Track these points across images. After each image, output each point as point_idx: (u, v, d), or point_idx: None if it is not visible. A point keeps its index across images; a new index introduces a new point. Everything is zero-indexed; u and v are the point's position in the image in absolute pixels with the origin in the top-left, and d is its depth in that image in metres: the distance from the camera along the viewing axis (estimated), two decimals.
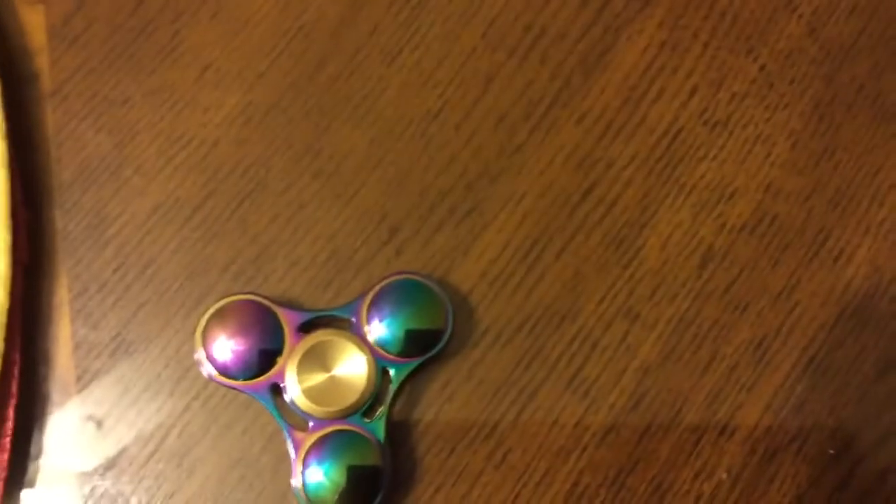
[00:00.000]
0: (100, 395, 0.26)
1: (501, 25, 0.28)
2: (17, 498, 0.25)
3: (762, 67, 0.28)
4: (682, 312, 0.27)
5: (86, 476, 0.25)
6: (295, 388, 0.24)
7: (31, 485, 0.25)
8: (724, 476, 0.26)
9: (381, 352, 0.25)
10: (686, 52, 0.28)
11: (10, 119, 0.27)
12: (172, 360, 0.26)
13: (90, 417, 0.26)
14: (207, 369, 0.25)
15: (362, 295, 0.25)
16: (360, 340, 0.25)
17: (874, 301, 0.27)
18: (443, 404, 0.26)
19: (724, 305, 0.27)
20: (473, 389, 0.26)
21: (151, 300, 0.27)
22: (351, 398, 0.24)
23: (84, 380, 0.26)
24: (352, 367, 0.25)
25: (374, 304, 0.25)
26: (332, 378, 0.25)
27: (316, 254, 0.27)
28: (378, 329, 0.25)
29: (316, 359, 0.25)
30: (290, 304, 0.26)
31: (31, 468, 0.25)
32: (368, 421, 0.25)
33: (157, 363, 0.26)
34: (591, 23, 0.28)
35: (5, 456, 0.24)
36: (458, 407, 0.26)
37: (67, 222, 0.27)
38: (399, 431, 0.26)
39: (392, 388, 0.25)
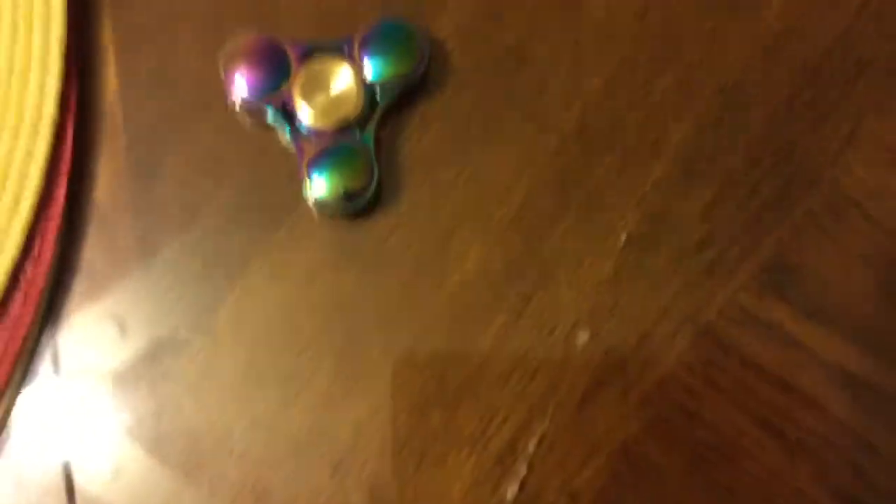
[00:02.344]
0: (142, 119, 0.32)
1: None
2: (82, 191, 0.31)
3: None
4: (624, 57, 0.32)
5: (133, 181, 0.31)
6: (300, 105, 0.30)
7: (89, 194, 0.31)
8: (651, 183, 0.31)
9: (370, 77, 0.30)
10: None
11: None
12: (203, 89, 0.32)
13: (135, 136, 0.32)
14: (231, 93, 0.30)
15: (355, 31, 0.31)
16: (353, 66, 0.30)
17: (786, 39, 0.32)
18: (422, 133, 0.32)
19: (660, 50, 0.32)
20: (447, 121, 0.32)
21: (182, 41, 0.32)
22: (345, 110, 0.30)
23: (127, 108, 0.32)
24: (345, 84, 0.30)
25: (364, 39, 0.31)
26: (330, 95, 0.30)
27: (318, 3, 0.32)
28: (367, 59, 0.30)
29: (316, 80, 0.30)
30: (294, 40, 0.31)
31: (89, 174, 0.31)
32: (361, 134, 0.30)
33: (190, 92, 0.32)
34: None
35: (68, 156, 0.30)
36: (434, 135, 0.32)
37: (126, 71, 0.32)
38: (387, 151, 0.31)
39: (379, 108, 0.31)
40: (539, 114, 0.32)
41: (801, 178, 0.31)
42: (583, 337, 0.30)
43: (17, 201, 0.30)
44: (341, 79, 0.30)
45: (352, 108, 0.30)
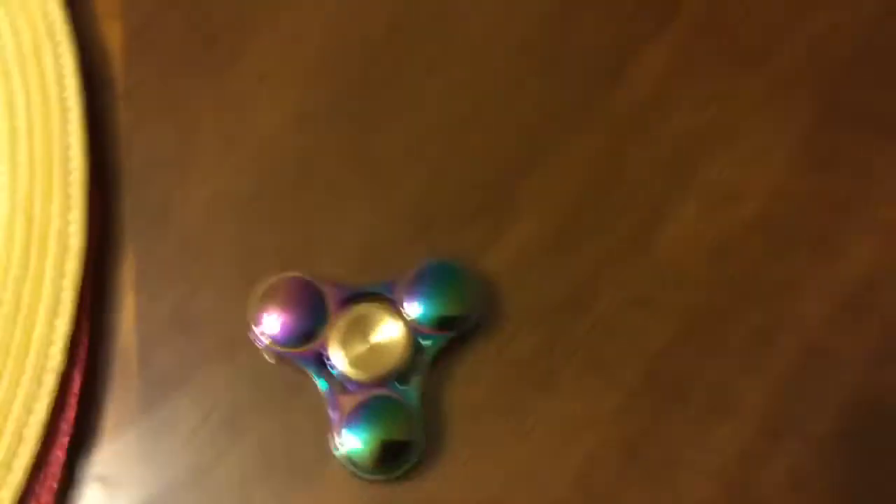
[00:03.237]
0: (158, 365, 0.28)
1: (531, 45, 0.31)
2: (81, 457, 0.27)
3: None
4: (692, 303, 0.29)
5: (142, 440, 0.28)
6: (338, 355, 0.27)
7: (92, 444, 0.28)
8: (731, 450, 0.27)
9: (416, 325, 0.27)
10: (698, 69, 0.31)
11: (86, 115, 0.30)
12: (226, 333, 0.29)
13: (149, 384, 0.28)
14: (260, 339, 0.27)
15: (401, 274, 0.28)
16: (397, 313, 0.27)
17: (870, 293, 0.29)
18: (471, 382, 0.28)
19: (730, 298, 0.29)
20: (500, 369, 0.28)
21: (208, 280, 0.29)
22: (389, 363, 0.27)
23: (144, 351, 0.28)
24: (389, 335, 0.27)
25: (411, 283, 0.28)
26: (371, 346, 0.27)
27: (357, 242, 0.30)
28: (414, 306, 0.27)
29: (357, 328, 0.27)
30: (333, 282, 0.28)
31: (91, 426, 0.28)
32: (404, 388, 0.27)
33: (212, 337, 0.29)
34: (613, 40, 0.31)
35: (72, 413, 0.27)
36: (485, 384, 0.28)
37: (135, 207, 0.30)
38: (431, 404, 0.28)
39: (426, 359, 0.27)
40: (603, 366, 0.28)
41: None
42: None
43: (9, 460, 0.26)
44: (385, 328, 0.27)
45: (396, 360, 0.27)
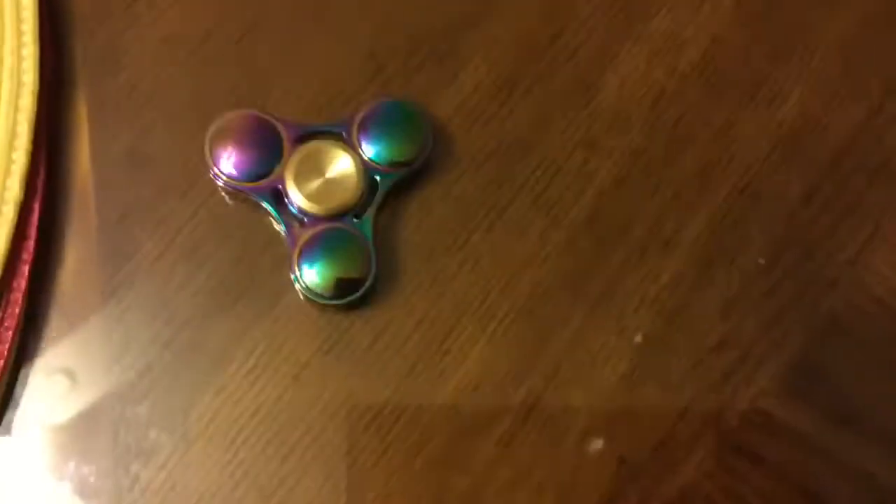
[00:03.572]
0: (115, 201, 0.29)
1: None
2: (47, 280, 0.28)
3: None
4: (635, 144, 0.30)
5: (103, 268, 0.28)
6: (293, 190, 0.28)
7: (53, 276, 0.28)
8: (667, 280, 0.29)
9: (370, 162, 0.28)
10: None
11: None
12: (182, 170, 0.29)
13: (107, 218, 0.29)
14: (216, 176, 0.28)
15: (354, 113, 0.29)
16: (351, 149, 0.28)
17: (801, 137, 0.31)
18: (422, 218, 0.30)
19: (672, 139, 0.30)
20: (451, 205, 0.30)
21: (162, 120, 0.30)
22: (343, 197, 0.28)
23: (100, 188, 0.29)
24: (343, 170, 0.28)
25: (365, 121, 0.28)
26: (326, 180, 0.28)
27: (311, 83, 0.30)
28: (368, 143, 0.28)
29: (312, 164, 0.28)
30: (289, 120, 0.29)
31: (52, 259, 0.28)
32: (357, 221, 0.28)
33: (168, 173, 0.29)
34: None
35: (31, 243, 0.27)
36: (435, 220, 0.30)
37: (86, 49, 0.30)
38: (384, 237, 0.29)
39: (379, 194, 0.28)
40: (547, 203, 0.30)
41: (822, 277, 0.29)
42: (596, 444, 0.28)
43: None
44: (339, 163, 0.28)
45: (349, 195, 0.28)
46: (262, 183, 0.28)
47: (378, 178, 0.28)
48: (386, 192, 0.29)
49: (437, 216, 0.30)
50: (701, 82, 0.31)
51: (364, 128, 0.28)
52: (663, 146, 0.30)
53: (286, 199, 0.28)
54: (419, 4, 0.31)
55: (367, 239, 0.28)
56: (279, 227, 0.28)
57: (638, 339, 0.29)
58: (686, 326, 0.29)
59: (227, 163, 0.28)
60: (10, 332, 0.27)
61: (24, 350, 0.27)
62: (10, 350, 0.27)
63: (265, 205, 0.28)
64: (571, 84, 0.31)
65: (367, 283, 0.28)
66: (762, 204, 0.30)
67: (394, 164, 0.28)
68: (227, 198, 0.29)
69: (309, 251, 0.28)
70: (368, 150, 0.28)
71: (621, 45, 0.31)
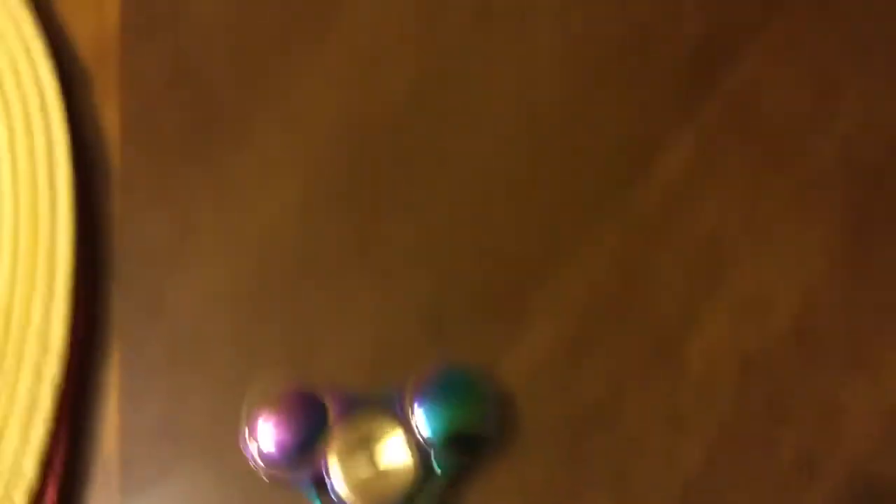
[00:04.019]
0: (142, 478, 0.26)
1: (550, 135, 0.30)
2: None
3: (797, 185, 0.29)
4: (726, 421, 0.27)
5: None
6: (338, 479, 0.24)
7: None
8: None
9: (426, 442, 0.25)
10: (726, 162, 0.30)
11: (77, 203, 0.28)
12: (216, 442, 0.26)
13: (131, 494, 0.26)
14: (252, 457, 0.25)
15: (408, 382, 0.26)
16: (406, 429, 0.25)
17: None
18: (488, 500, 0.26)
19: (768, 415, 0.27)
20: (517, 487, 0.26)
21: (198, 386, 0.27)
22: (397, 491, 0.24)
23: (126, 460, 0.26)
24: (397, 457, 0.25)
25: (422, 394, 0.25)
26: (376, 468, 0.25)
27: (363, 343, 0.27)
28: (425, 421, 0.25)
29: (361, 448, 0.25)
30: (335, 389, 0.26)
31: None
32: None
33: (199, 447, 0.26)
34: (635, 132, 0.30)
35: None
36: (501, 502, 0.26)
37: (124, 304, 0.28)
38: None
39: (438, 484, 0.25)
40: (629, 490, 0.26)
41: None
42: None
43: None
44: (393, 447, 0.25)
45: (403, 482, 0.24)
46: (303, 467, 0.25)
47: (435, 462, 0.25)
48: (445, 478, 0.25)
49: (503, 498, 0.26)
50: (794, 348, 0.28)
51: (421, 401, 0.25)
52: (756, 424, 0.27)
53: (329, 488, 0.25)
54: (480, 253, 0.29)
55: None
56: None
57: None
58: None
59: (265, 443, 0.25)
60: None
61: None
62: None
63: (306, 491, 0.25)
64: (651, 348, 0.28)
65: None
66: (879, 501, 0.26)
67: (456, 445, 0.25)
68: (265, 475, 0.26)
69: None
70: (426, 429, 0.25)
71: (704, 306, 0.28)
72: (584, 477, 0.26)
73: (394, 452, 0.25)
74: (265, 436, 0.25)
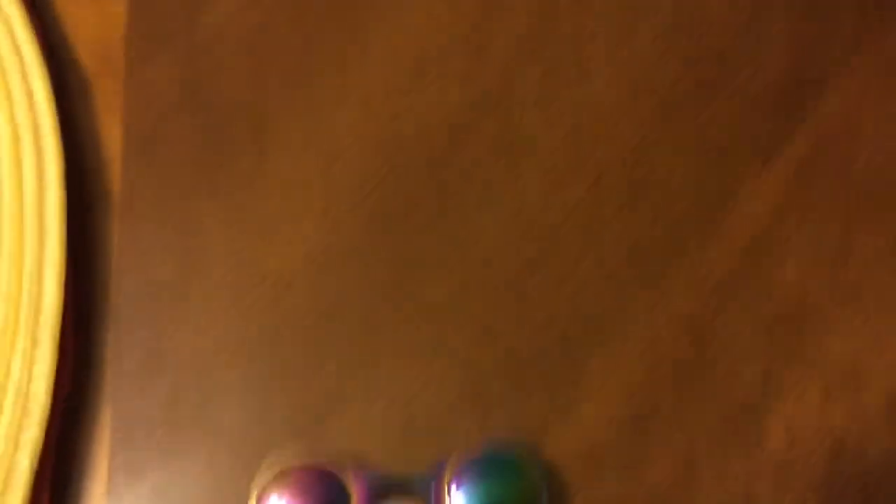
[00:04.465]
0: None
1: (610, 177, 0.26)
2: None
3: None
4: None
5: None
6: None
7: None
8: None
9: None
10: (812, 214, 0.26)
11: (72, 235, 0.24)
12: None
13: None
14: None
15: (443, 463, 0.22)
16: None
17: None
18: None
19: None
20: None
21: (201, 452, 0.23)
22: None
23: None
24: None
25: (456, 477, 0.22)
26: None
27: (390, 413, 0.24)
28: None
29: None
30: (358, 470, 0.22)
31: None
32: None
33: None
34: (706, 178, 0.26)
35: None
36: None
37: (118, 353, 0.24)
38: None
39: None
40: None
41: None
42: None
43: None
44: None
45: None
46: None
47: None
48: None
49: None
50: (890, 427, 0.24)
51: (457, 487, 0.22)
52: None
53: None
54: (529, 314, 0.25)
55: None
56: None
57: None
58: None
59: None
60: None
61: None
62: None
63: None
64: (725, 425, 0.24)
65: None
66: None
67: None
68: None
69: None
70: None
71: (786, 377, 0.24)
72: None
73: None
74: None
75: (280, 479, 0.22)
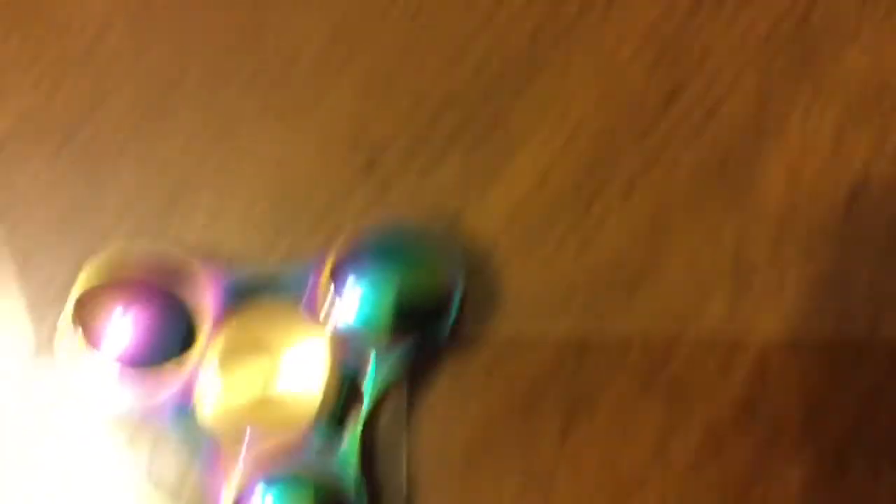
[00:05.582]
0: None
1: None
2: None
3: None
4: (820, 270, 0.18)
5: None
6: (214, 400, 0.16)
7: None
8: None
9: (351, 338, 0.16)
10: None
11: None
12: (32, 350, 0.18)
13: None
14: (81, 369, 0.16)
15: (324, 251, 0.17)
16: (318, 320, 0.16)
17: None
18: (449, 419, 0.17)
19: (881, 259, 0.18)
20: (494, 396, 0.18)
21: (9, 257, 0.18)
22: (300, 414, 0.16)
23: None
24: (303, 363, 0.16)
25: (343, 266, 0.16)
26: (272, 383, 0.16)
27: (255, 194, 0.19)
28: (348, 304, 0.16)
29: (248, 350, 0.16)
30: (217, 266, 0.17)
31: None
32: (328, 453, 0.16)
33: (10, 356, 0.17)
34: None
35: None
36: (470, 423, 0.17)
37: None
38: (380, 462, 0.17)
39: (367, 393, 0.16)
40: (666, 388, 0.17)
41: None
42: None
43: None
44: (298, 348, 0.16)
45: (313, 406, 0.16)
46: (163, 388, 0.16)
47: (368, 364, 0.16)
48: (378, 393, 0.16)
49: (471, 414, 0.17)
50: None
51: (343, 277, 0.16)
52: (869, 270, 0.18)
53: (203, 416, 0.16)
54: (433, 51, 0.19)
55: (352, 478, 0.16)
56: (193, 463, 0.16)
57: None
58: None
59: (107, 345, 0.16)
60: None
61: None
62: None
63: (168, 426, 0.16)
64: (704, 176, 0.18)
65: None
66: None
67: (393, 340, 0.16)
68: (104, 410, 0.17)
69: None
70: (350, 318, 0.16)
71: (790, 98, 0.18)
72: (598, 374, 0.17)
73: (299, 354, 0.16)
74: (108, 336, 0.16)
75: (110, 280, 0.16)
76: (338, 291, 0.16)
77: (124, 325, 0.16)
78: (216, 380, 0.16)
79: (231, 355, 0.16)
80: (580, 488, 0.18)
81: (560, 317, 0.18)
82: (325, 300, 0.16)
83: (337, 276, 0.16)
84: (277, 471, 0.15)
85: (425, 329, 0.17)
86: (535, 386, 0.18)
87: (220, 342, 0.16)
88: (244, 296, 0.17)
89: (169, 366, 0.16)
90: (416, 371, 0.18)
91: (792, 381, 0.17)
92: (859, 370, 0.18)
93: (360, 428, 0.16)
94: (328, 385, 0.16)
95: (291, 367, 0.16)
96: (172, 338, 0.16)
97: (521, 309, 0.18)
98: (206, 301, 0.16)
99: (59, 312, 0.17)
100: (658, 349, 0.18)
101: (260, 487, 0.15)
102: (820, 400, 0.17)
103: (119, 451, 0.17)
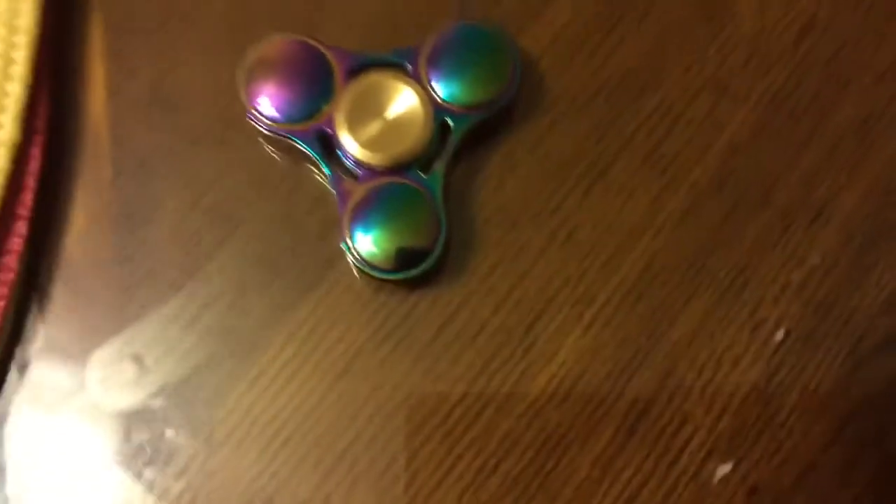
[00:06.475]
0: (135, 149, 0.24)
1: None
2: (49, 242, 0.23)
3: None
4: (779, 85, 0.24)
5: (116, 229, 0.23)
6: (345, 135, 0.22)
7: (57, 243, 0.23)
8: (818, 261, 0.23)
9: (441, 101, 0.23)
10: None
11: None
12: (213, 111, 0.24)
13: (123, 173, 0.24)
14: (252, 116, 0.23)
15: (423, 40, 0.23)
16: (419, 85, 0.22)
17: None
18: (505, 174, 0.24)
19: (825, 79, 0.24)
20: (540, 160, 0.24)
21: (193, 50, 0.24)
22: (406, 145, 0.22)
23: (115, 133, 0.24)
24: (409, 111, 0.22)
25: (435, 51, 0.23)
26: (386, 122, 0.22)
27: (369, 3, 0.24)
28: (438, 76, 0.23)
29: (370, 103, 0.22)
30: (339, 48, 0.23)
31: (59, 219, 0.23)
32: (424, 177, 0.22)
33: (197, 115, 0.24)
34: None
35: (30, 196, 0.23)
36: (522, 178, 0.24)
37: None
38: (457, 198, 0.23)
39: (452, 142, 0.23)
40: (663, 160, 0.24)
41: None
42: (721, 469, 0.22)
43: None
44: (403, 102, 0.22)
45: (415, 142, 0.22)
46: (308, 126, 0.22)
47: (451, 122, 0.23)
48: (460, 141, 0.23)
49: (522, 174, 0.24)
50: (862, 6, 0.24)
51: (435, 59, 0.23)
52: (813, 90, 0.24)
53: (337, 147, 0.22)
54: None
55: (435, 199, 0.22)
56: (328, 183, 0.23)
57: (778, 335, 0.23)
58: (840, 321, 0.23)
59: (265, 101, 0.23)
60: (3, 303, 0.22)
61: (20, 325, 0.23)
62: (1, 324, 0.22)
63: (311, 153, 0.23)
64: (696, 7, 0.24)
65: (435, 254, 0.22)
66: None
67: (471, 106, 0.23)
68: (266, 145, 0.24)
69: (364, 213, 0.22)
70: (440, 88, 0.23)
71: None
72: (615, 148, 0.24)
73: (405, 107, 0.22)
74: (266, 97, 0.23)
75: (265, 58, 0.23)
76: (429, 72, 0.23)
77: (276, 82, 0.23)
78: (345, 121, 0.22)
79: (355, 104, 0.22)
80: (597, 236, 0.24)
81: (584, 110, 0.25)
82: (423, 74, 0.23)
83: (431, 60, 0.23)
84: (389, 179, 0.22)
85: (492, 105, 0.23)
86: (564, 159, 0.25)
87: (349, 94, 0.23)
88: (365, 70, 0.23)
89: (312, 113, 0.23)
90: (479, 137, 0.24)
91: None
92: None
93: (446, 161, 0.23)
94: (426, 126, 0.22)
95: (400, 118, 0.23)
96: (314, 94, 0.23)
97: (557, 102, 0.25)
98: (338, 69, 0.23)
99: None
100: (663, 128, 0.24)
101: (375, 191, 0.22)
102: None
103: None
